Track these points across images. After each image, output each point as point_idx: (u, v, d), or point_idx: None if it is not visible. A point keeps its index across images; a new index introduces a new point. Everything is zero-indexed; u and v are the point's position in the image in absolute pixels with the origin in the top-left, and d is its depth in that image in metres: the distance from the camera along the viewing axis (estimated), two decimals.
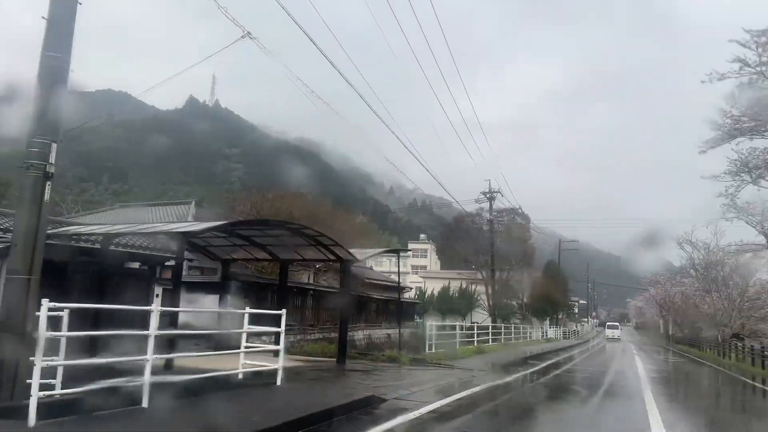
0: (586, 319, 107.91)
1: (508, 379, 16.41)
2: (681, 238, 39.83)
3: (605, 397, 14.10)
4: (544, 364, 22.26)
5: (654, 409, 11.58)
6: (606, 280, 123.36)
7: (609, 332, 74.52)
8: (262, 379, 11.76)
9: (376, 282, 41.22)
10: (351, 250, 17.98)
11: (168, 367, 11.89)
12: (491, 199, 44.40)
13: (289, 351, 20.69)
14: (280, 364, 11.68)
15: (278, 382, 11.54)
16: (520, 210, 46.37)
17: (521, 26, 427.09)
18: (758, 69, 14.09)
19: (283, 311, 12.11)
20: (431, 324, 23.26)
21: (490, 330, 31.16)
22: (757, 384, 19.84)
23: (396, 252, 24.56)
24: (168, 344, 11.26)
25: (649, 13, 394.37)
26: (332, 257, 17.97)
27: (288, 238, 17.06)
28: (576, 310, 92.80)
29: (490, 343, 29.31)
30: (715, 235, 35.48)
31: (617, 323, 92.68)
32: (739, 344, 30.95)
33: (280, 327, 12.19)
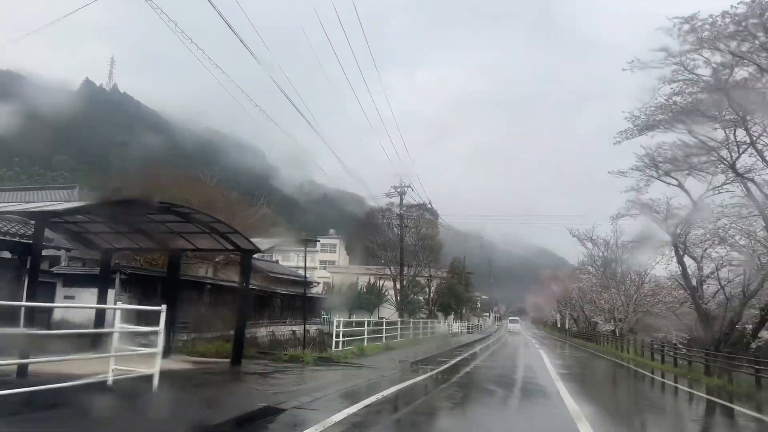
0: (487, 314, 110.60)
1: (420, 378, 15.18)
2: (583, 235, 40.83)
3: (523, 397, 13.18)
4: (453, 361, 21.37)
5: (575, 408, 10.72)
6: (507, 276, 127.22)
7: (511, 326, 79.41)
8: (135, 387, 9.78)
9: (281, 276, 39.17)
10: (252, 240, 16.12)
11: (21, 373, 9.76)
12: (401, 194, 43.48)
13: (180, 351, 18.53)
14: (156, 368, 9.75)
15: (154, 390, 9.63)
16: (429, 206, 45.85)
17: (433, 29, 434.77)
18: (680, 59, 13.78)
19: (163, 307, 10.15)
20: (338, 320, 21.71)
21: (398, 326, 30.10)
22: (666, 381, 19.71)
23: (302, 242, 22.79)
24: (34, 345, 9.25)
25: (560, 16, 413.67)
26: (230, 247, 16.01)
27: (178, 224, 14.93)
28: (478, 305, 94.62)
29: (399, 339, 28.23)
30: (614, 233, 36.61)
31: (518, 318, 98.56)
32: (638, 339, 31.85)
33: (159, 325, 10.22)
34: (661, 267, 28.42)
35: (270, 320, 34.27)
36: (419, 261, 55.21)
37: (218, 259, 30.29)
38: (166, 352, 16.32)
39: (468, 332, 60.69)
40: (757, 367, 14.56)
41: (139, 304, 19.22)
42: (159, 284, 21.28)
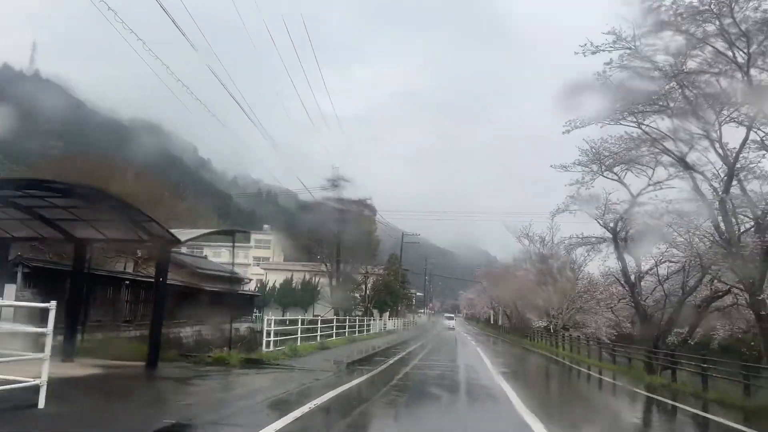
0: (422, 311, 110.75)
1: (358, 381, 13.87)
2: (520, 232, 40.64)
3: (471, 402, 12.10)
4: (391, 361, 20.21)
5: (527, 413, 9.73)
6: (441, 273, 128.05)
7: (446, 322, 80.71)
8: (17, 402, 8.00)
9: (210, 272, 36.89)
10: (173, 231, 14.34)
11: None
12: (338, 187, 42.01)
13: (90, 353, 16.43)
14: (43, 377, 8.00)
15: (40, 405, 7.90)
16: (367, 201, 44.54)
17: (372, 27, 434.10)
18: (633, 44, 13.13)
19: (52, 304, 8.37)
20: (270, 318, 20.10)
21: (334, 324, 28.69)
22: (610, 380, 19.15)
23: (230, 233, 20.95)
24: None
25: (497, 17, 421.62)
26: (145, 237, 14.17)
27: (84, 210, 12.99)
28: (414, 302, 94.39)
29: (334, 337, 26.84)
30: (551, 229, 36.50)
31: (452, 315, 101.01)
32: (574, 335, 31.83)
33: (48, 326, 8.44)
34: (596, 264, 28.32)
35: (198, 319, 32.12)
36: (356, 257, 54.01)
37: (140, 254, 27.94)
38: (70, 356, 14.37)
39: (404, 329, 60.00)
40: (704, 365, 14.11)
41: (44, 300, 17.06)
42: (69, 279, 19.00)
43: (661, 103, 14.16)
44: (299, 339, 21.73)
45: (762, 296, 13.14)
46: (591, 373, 21.14)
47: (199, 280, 34.15)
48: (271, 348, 18.18)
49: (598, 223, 22.56)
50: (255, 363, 16.29)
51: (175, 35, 13.37)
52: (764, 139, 13.60)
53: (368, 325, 42.60)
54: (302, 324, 23.51)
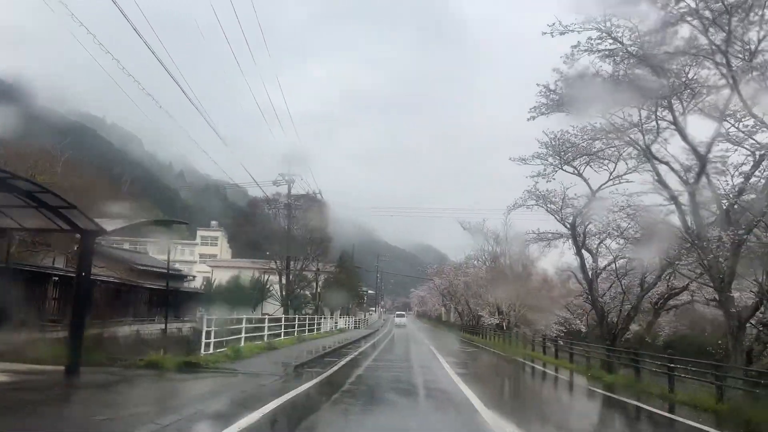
0: (373, 308, 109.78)
1: (307, 387, 12.57)
2: (474, 228, 40.03)
3: (430, 408, 11.02)
4: (343, 362, 18.98)
5: (495, 421, 8.71)
6: (393, 271, 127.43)
7: (397, 320, 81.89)
8: None
9: (150, 269, 34.74)
10: (98, 220, 12.69)
11: None
12: (290, 182, 40.43)
13: (6, 357, 14.59)
14: None
15: None
16: (319, 195, 43.06)
17: (326, 25, 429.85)
18: (605, 25, 12.30)
19: None
20: (211, 317, 18.51)
21: (282, 323, 27.22)
22: (572, 380, 18.46)
23: (165, 224, 19.20)
24: None
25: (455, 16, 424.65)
26: (66, 227, 12.48)
27: None
28: (365, 300, 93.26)
29: (282, 337, 25.39)
30: (505, 225, 36.02)
31: (404, 312, 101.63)
32: (526, 333, 31.38)
33: None
34: (552, 260, 27.83)
35: (135, 318, 30.04)
36: (307, 254, 52.52)
37: (71, 249, 25.77)
38: None
39: (355, 327, 58.82)
40: (671, 365, 13.40)
41: None
42: None
43: (632, 87, 13.48)
44: (243, 339, 20.22)
45: (731, 293, 12.62)
46: (548, 371, 20.43)
47: (137, 277, 32.03)
48: (212, 350, 16.64)
49: (556, 218, 21.94)
50: (192, 367, 14.77)
51: (118, 22, 11.79)
52: (731, 132, 13.11)
53: (319, 324, 41.22)
54: (247, 323, 22.02)
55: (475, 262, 47.57)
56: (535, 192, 21.76)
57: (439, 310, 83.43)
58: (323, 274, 56.72)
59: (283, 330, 25.81)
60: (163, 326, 31.11)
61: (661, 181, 14.74)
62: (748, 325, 13.63)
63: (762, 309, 13.54)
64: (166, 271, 36.52)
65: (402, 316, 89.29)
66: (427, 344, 33.68)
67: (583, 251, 20.86)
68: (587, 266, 20.89)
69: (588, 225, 20.76)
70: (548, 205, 21.85)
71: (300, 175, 40.24)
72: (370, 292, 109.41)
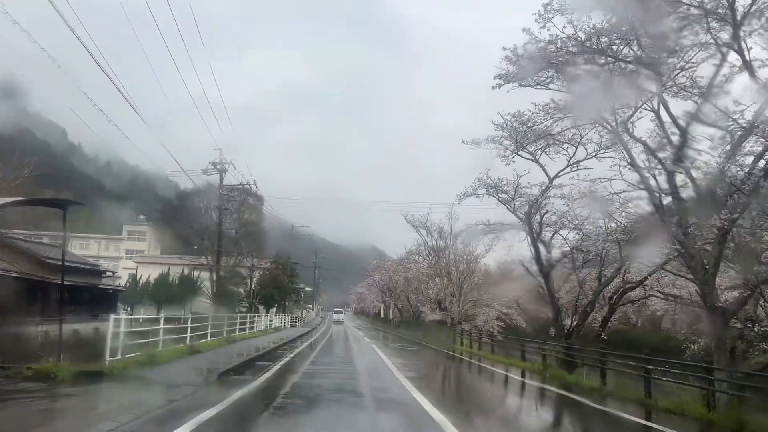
0: (311, 306, 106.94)
1: (231, 401, 10.20)
2: (417, 221, 38.25)
3: (386, 428, 8.98)
4: (277, 366, 16.67)
5: None
6: (332, 268, 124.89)
7: (336, 316, 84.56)
8: None
9: (66, 264, 30.89)
10: None
11: None
12: (221, 171, 37.40)
13: None
14: None
15: None
16: (254, 186, 40.12)
17: (263, 17, 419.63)
18: None
19: None
20: (118, 317, 15.76)
21: (209, 322, 24.45)
22: (533, 383, 17.01)
23: (58, 205, 16.00)
24: None
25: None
26: None
27: None
28: (302, 297, 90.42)
29: (209, 338, 22.67)
30: (450, 218, 34.44)
31: (342, 309, 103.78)
32: (469, 329, 29.94)
33: None
34: (498, 254, 26.44)
35: (44, 317, 26.59)
36: (241, 249, 49.50)
37: None
38: None
39: (291, 326, 56.20)
40: (648, 367, 11.82)
41: None
42: None
43: (600, 60, 11.95)
44: (162, 342, 17.53)
45: (713, 287, 11.24)
46: (507, 374, 18.60)
47: (49, 272, 28.46)
48: (119, 356, 13.95)
49: (508, 208, 20.37)
50: (93, 376, 12.12)
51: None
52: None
53: (252, 323, 38.48)
54: (168, 324, 19.31)
55: (417, 257, 45.97)
56: (486, 180, 20.19)
57: (378, 307, 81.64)
58: (258, 270, 53.85)
59: (209, 330, 23.09)
60: (77, 326, 27.80)
61: (633, 164, 13.27)
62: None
63: (749, 304, 12.32)
64: (80, 266, 33.01)
65: (340, 312, 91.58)
66: (368, 342, 31.85)
67: (539, 243, 19.38)
68: (542, 258, 19.40)
69: (545, 214, 19.29)
70: (500, 195, 20.31)
71: (233, 164, 37.22)
72: (307, 289, 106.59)
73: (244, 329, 31.10)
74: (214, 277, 46.95)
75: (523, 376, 17.73)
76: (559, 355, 18.13)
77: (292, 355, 20.54)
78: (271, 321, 52.65)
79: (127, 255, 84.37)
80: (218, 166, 37.07)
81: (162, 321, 18.28)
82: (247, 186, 38.39)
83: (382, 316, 74.14)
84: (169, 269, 55.18)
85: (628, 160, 13.35)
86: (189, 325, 20.71)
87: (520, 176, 19.53)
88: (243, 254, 49.46)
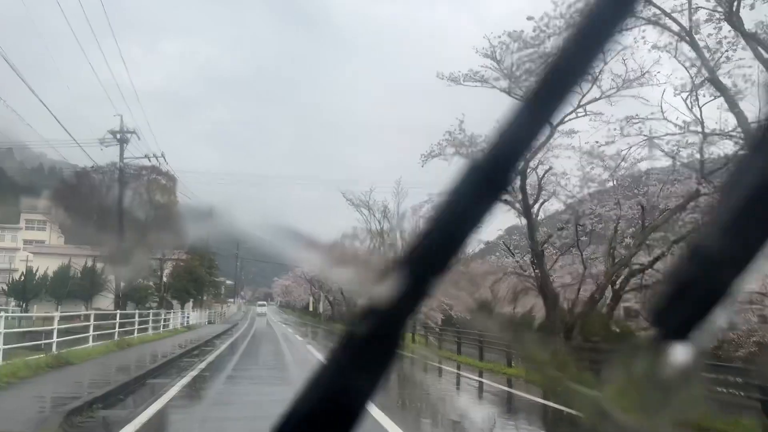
0: (232, 300, 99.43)
1: None
2: (358, 200, 32.98)
3: None
4: (175, 389, 11.29)
5: None
6: (255, 260, 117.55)
7: (258, 309, 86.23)
8: None
9: None
10: None
11: None
12: (122, 142, 30.80)
13: None
14: None
15: None
16: (161, 159, 33.44)
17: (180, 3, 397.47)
18: None
19: None
20: None
21: (91, 322, 18.34)
22: (518, 392, 12.62)
23: None
24: None
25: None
26: None
27: None
28: (223, 291, 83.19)
29: (92, 343, 16.67)
30: (397, 195, 29.51)
31: (264, 302, 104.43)
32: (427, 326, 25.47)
33: None
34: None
35: None
36: (150, 237, 42.76)
37: None
38: None
39: (209, 322, 49.77)
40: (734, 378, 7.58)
41: None
42: None
43: None
44: (2, 353, 11.62)
45: None
46: (487, 381, 14.19)
47: None
48: None
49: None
50: None
51: None
52: None
53: (165, 320, 32.18)
54: (48, 323, 13.38)
55: (357, 242, 40.87)
56: (457, 136, 15.50)
57: (306, 300, 75.69)
58: (171, 261, 47.15)
59: (91, 333, 16.99)
60: None
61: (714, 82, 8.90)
62: None
63: None
64: None
65: (263, 305, 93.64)
66: (302, 342, 26.51)
67: (533, 212, 14.83)
68: (535, 233, 14.83)
69: (545, 173, 14.71)
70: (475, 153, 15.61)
71: (136, 133, 30.70)
72: (229, 282, 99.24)
73: (147, 329, 24.90)
74: (119, 268, 40.46)
75: (507, 384, 13.38)
76: (562, 356, 13.60)
77: (203, 365, 14.94)
78: (187, 318, 46.22)
79: (25, 246, 74.51)
80: (119, 135, 30.48)
81: (2, 321, 12.13)
82: (155, 158, 31.80)
83: (311, 309, 68.37)
84: (70, 260, 48.14)
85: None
86: (56, 326, 14.64)
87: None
88: (154, 242, 42.72)
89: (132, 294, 41.42)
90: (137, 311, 29.05)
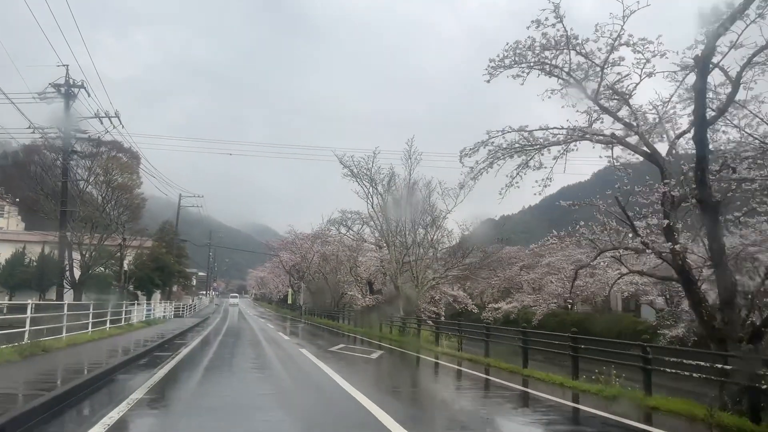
0: (204, 292, 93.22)
1: None
2: (358, 166, 26.94)
3: None
4: (138, 394, 6.34)
5: None
6: (227, 251, 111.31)
7: (231, 301, 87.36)
8: None
9: None
10: None
11: None
12: (68, 98, 25.10)
13: None
14: None
15: None
16: (115, 121, 27.56)
17: None
18: None
19: None
20: None
21: (27, 315, 12.96)
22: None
23: None
24: None
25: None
26: None
27: None
28: (194, 282, 77.09)
29: (26, 342, 11.25)
30: (409, 159, 23.90)
31: (237, 294, 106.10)
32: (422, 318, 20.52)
33: None
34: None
35: None
36: (110, 220, 37.14)
37: None
38: None
39: (177, 316, 44.17)
40: None
41: None
42: None
43: None
44: None
45: None
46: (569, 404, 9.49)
47: None
48: None
49: (587, 96, 10.59)
50: None
51: None
52: None
53: (126, 313, 26.62)
54: None
55: (344, 230, 35.73)
56: (547, 31, 10.13)
57: (284, 291, 69.98)
58: (133, 248, 41.42)
59: (28, 328, 11.52)
60: None
61: None
62: None
63: None
64: None
65: (235, 297, 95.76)
66: (292, 344, 20.59)
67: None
68: (708, 177, 9.13)
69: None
70: (569, 70, 10.43)
71: (85, 88, 25.04)
72: (201, 274, 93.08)
73: (100, 325, 19.32)
74: (79, 255, 35.22)
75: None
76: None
77: (157, 379, 9.82)
78: (152, 311, 40.66)
79: None
80: (62, 88, 24.80)
81: None
82: (107, 117, 26.17)
83: (289, 302, 62.85)
84: (24, 247, 42.56)
85: None
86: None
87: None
88: (115, 227, 37.11)
89: (90, 284, 36.14)
90: (90, 303, 23.45)
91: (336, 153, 25.66)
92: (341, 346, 19.93)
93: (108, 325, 19.42)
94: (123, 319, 22.14)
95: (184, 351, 15.70)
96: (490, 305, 33.65)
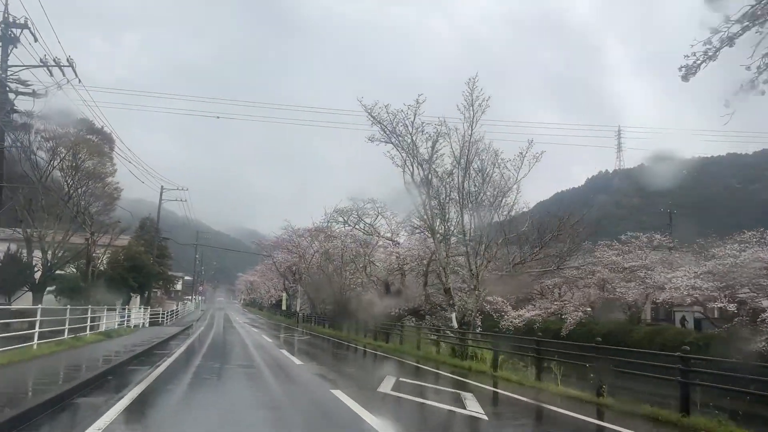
0: (190, 297, 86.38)
1: None
2: (388, 117, 19.32)
3: None
4: None
5: None
6: (215, 255, 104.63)
7: (218, 305, 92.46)
8: None
9: None
10: None
11: None
12: (6, 41, 18.94)
13: None
14: None
15: None
16: (68, 70, 21.08)
17: None
18: None
19: None
20: None
21: None
22: None
23: None
24: None
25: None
26: None
27: None
28: (179, 287, 70.40)
29: None
30: (471, 107, 17.30)
31: (222, 299, 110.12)
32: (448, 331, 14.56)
33: None
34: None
35: None
36: (79, 211, 30.94)
37: None
38: None
39: (156, 323, 37.91)
40: None
41: None
42: None
43: None
44: None
45: None
46: None
47: None
48: None
49: None
50: None
51: None
52: None
53: (94, 320, 20.66)
54: None
55: (345, 219, 29.83)
56: None
57: (276, 296, 63.18)
58: (110, 247, 35.17)
59: None
60: None
61: None
62: None
63: None
64: None
65: (220, 300, 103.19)
66: (306, 371, 12.54)
67: None
68: None
69: None
70: None
71: (31, 29, 18.97)
72: (187, 278, 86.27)
73: (59, 333, 13.11)
74: (42, 255, 29.52)
75: None
76: None
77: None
78: (127, 318, 34.47)
79: None
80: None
81: None
82: (56, 67, 20.03)
83: (284, 307, 56.13)
84: None
85: None
86: None
87: None
88: (83, 221, 30.81)
89: (56, 284, 30.51)
90: (39, 308, 17.19)
91: (363, 102, 18.48)
92: (393, 381, 11.55)
93: (36, 340, 13.07)
94: (66, 331, 15.81)
95: (180, 349, 9.46)
96: (506, 312, 28.71)
